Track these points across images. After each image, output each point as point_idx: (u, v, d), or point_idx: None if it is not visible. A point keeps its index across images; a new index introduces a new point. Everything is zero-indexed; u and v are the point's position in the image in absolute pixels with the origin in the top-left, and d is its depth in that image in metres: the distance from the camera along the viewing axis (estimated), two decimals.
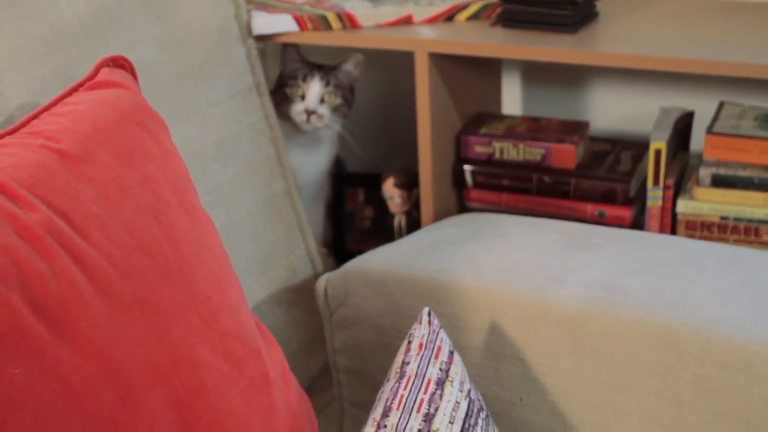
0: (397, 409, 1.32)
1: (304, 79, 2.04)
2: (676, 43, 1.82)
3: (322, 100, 2.03)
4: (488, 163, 2.04)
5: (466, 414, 1.37)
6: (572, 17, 1.88)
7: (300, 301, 1.94)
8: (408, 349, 1.43)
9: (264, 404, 1.30)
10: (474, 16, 1.99)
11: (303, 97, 2.03)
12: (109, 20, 1.67)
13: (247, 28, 1.95)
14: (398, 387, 1.36)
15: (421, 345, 1.42)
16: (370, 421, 1.33)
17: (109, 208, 1.21)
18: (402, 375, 1.39)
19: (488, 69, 2.18)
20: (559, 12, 1.89)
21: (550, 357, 1.52)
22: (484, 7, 1.99)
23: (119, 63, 1.42)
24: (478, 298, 1.58)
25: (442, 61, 1.93)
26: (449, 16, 1.99)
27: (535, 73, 2.30)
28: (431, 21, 1.98)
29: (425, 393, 1.35)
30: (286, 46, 2.06)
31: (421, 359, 1.41)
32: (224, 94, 1.88)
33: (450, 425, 1.33)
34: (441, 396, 1.36)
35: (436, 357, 1.42)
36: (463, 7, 1.99)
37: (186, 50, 1.80)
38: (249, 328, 1.33)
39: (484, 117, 2.12)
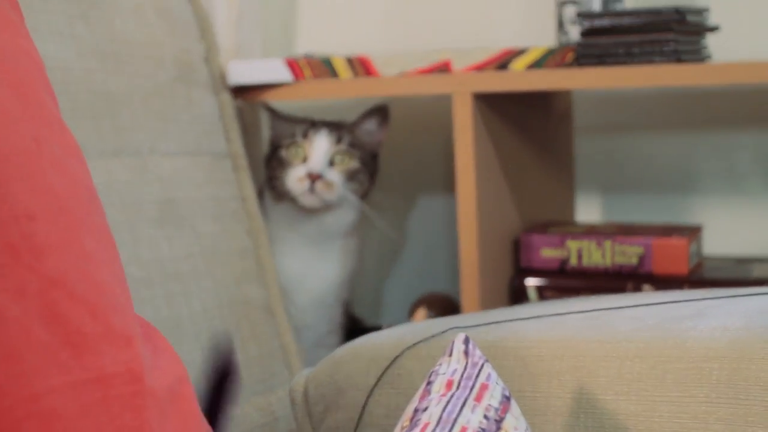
0: None
1: (305, 135, 1.44)
2: None
3: (331, 162, 1.45)
4: (561, 274, 1.41)
5: None
6: (676, 42, 1.32)
7: None
8: (426, 393, 0.77)
9: (127, 422, 0.64)
10: (537, 64, 1.42)
11: (305, 160, 1.44)
12: None
13: (222, 80, 1.41)
14: None
15: (450, 383, 0.76)
16: None
17: None
18: (413, 427, 0.73)
19: (558, 153, 1.59)
20: (658, 37, 1.33)
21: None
22: (551, 52, 1.42)
23: None
24: (554, 355, 0.92)
25: (491, 114, 1.34)
26: (502, 64, 1.42)
27: (617, 175, 1.66)
28: (478, 69, 1.42)
29: None
30: (273, 110, 1.49)
31: (449, 400, 0.75)
32: (179, 147, 1.33)
33: None
34: None
35: (478, 399, 0.75)
36: (521, 52, 1.43)
37: (123, 70, 1.28)
38: (114, 299, 0.69)
39: (552, 223, 1.51)
